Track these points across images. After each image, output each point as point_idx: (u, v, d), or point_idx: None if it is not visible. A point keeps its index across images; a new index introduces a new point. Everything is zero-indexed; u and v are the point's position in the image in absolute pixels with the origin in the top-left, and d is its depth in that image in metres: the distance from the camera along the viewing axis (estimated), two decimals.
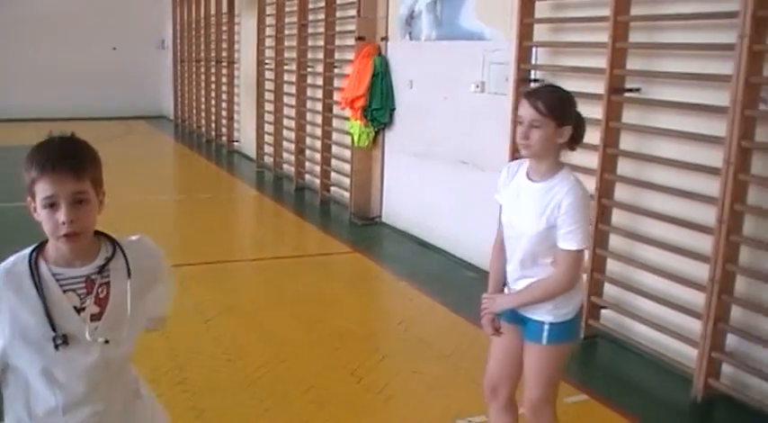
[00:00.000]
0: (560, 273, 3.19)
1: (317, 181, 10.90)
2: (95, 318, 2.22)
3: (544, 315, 3.27)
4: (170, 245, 8.48)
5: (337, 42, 10.33)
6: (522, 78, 6.42)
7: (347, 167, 9.80)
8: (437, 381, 5.00)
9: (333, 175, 10.62)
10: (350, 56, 9.59)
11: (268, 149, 13.31)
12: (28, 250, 2.22)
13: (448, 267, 7.54)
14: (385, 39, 9.02)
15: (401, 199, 8.97)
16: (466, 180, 7.59)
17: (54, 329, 2.15)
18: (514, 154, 5.86)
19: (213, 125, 17.05)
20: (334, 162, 10.60)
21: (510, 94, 6.53)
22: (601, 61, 5.59)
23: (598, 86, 5.60)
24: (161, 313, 2.56)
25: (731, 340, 4.82)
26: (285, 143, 12.52)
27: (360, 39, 9.14)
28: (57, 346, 2.15)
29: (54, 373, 2.20)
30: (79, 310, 2.20)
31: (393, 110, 8.92)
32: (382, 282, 7.38)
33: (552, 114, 3.10)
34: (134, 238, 2.41)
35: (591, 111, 5.71)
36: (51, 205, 2.12)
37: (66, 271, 2.21)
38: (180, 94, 20.49)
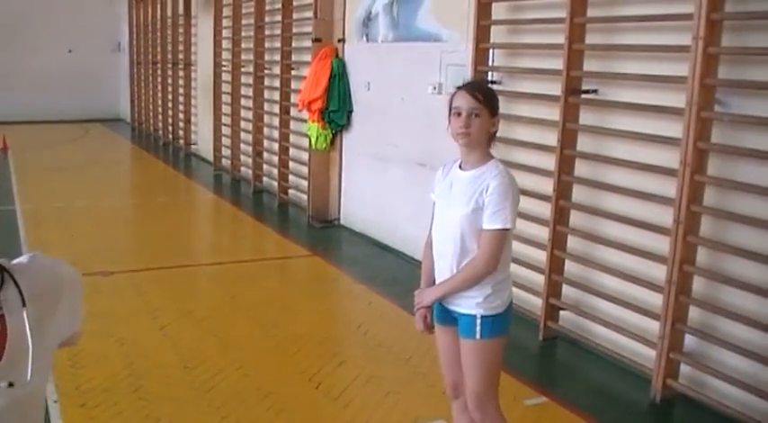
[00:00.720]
0: (483, 253, 3.25)
1: (275, 184, 10.83)
2: None
3: (475, 308, 3.31)
4: (125, 250, 8.46)
5: (294, 44, 10.28)
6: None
7: (305, 170, 9.74)
8: (396, 385, 4.95)
9: (291, 177, 10.55)
10: (307, 58, 9.53)
11: (225, 152, 13.21)
12: None
13: (406, 269, 7.50)
14: (342, 40, 8.98)
15: (359, 201, 8.93)
16: (424, 182, 7.49)
17: None
18: None
19: (170, 128, 16.91)
20: (292, 165, 10.53)
21: None
22: (557, 63, 5.59)
23: (555, 88, 5.61)
24: (74, 330, 2.22)
25: (689, 341, 4.84)
26: (243, 146, 12.42)
27: (317, 40, 9.09)
28: None
29: None
30: None
31: (351, 112, 8.88)
32: (341, 285, 7.33)
33: (489, 104, 3.30)
34: (24, 259, 2.06)
35: (548, 112, 5.77)
36: None
37: None
38: (137, 97, 20.30)
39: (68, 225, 9.47)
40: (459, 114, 3.28)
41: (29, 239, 8.54)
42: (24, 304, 1.92)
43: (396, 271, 7.55)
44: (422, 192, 7.54)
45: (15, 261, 2.00)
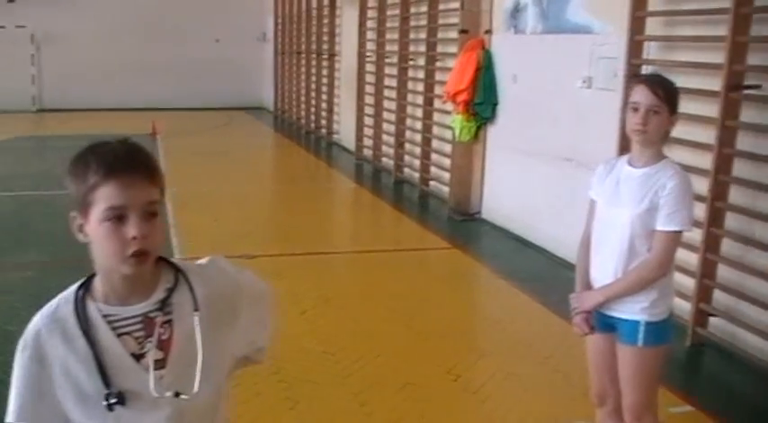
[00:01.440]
0: (657, 255, 3.10)
1: (417, 175, 10.83)
2: (159, 365, 1.77)
3: (639, 314, 3.16)
4: (267, 235, 8.64)
5: (440, 35, 10.23)
6: (633, 74, 6.19)
7: (447, 162, 9.70)
8: (535, 384, 4.86)
9: (432, 169, 10.53)
10: (452, 49, 9.48)
11: (367, 142, 13.30)
12: (72, 288, 1.81)
13: (548, 267, 7.36)
14: (489, 32, 8.87)
15: (502, 195, 8.81)
16: (569, 178, 7.39)
17: (107, 385, 1.71)
18: (622, 151, 5.65)
19: (313, 117, 17.17)
20: (434, 156, 10.50)
21: (619, 90, 6.30)
22: (718, 56, 5.33)
23: (714, 83, 5.36)
24: (258, 345, 2.06)
25: None
26: (385, 136, 12.48)
27: (463, 32, 9.03)
28: (110, 407, 1.70)
29: None
30: (139, 358, 1.76)
31: (496, 105, 8.77)
32: (480, 279, 7.25)
33: (669, 102, 3.12)
34: (203, 261, 1.95)
35: (706, 109, 5.50)
36: (119, 217, 1.67)
37: (120, 310, 1.77)
38: (280, 86, 20.70)
39: (213, 209, 9.72)
40: (636, 110, 3.11)
41: (175, 222, 8.77)
42: (197, 308, 1.81)
43: (537, 268, 7.41)
44: (568, 188, 7.42)
45: (196, 262, 1.92)
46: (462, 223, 9.11)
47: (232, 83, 22.84)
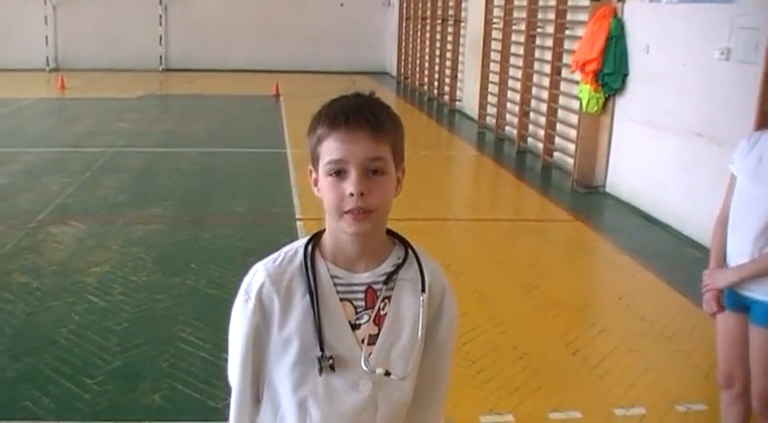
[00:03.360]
0: None
1: (540, 145, 10.69)
2: (371, 341, 1.69)
3: None
4: None
5: (570, 2, 10.03)
6: None
7: (573, 133, 9.53)
8: (656, 362, 4.76)
9: (557, 139, 10.37)
10: (583, 17, 9.29)
11: (491, 110, 13.19)
12: (301, 242, 1.74)
13: (674, 245, 7.17)
14: (621, 0, 8.62)
15: (628, 169, 8.60)
16: (700, 154, 7.15)
17: (322, 348, 1.65)
18: (760, 127, 5.43)
19: (436, 83, 17.12)
20: (559, 127, 10.34)
21: (759, 63, 6.05)
22: None
23: None
24: (442, 373, 1.84)
25: None
26: (509, 105, 12.35)
27: (595, 0, 8.79)
28: (321, 370, 1.65)
29: (310, 409, 1.69)
30: (354, 327, 1.69)
31: (626, 75, 8.54)
32: (603, 253, 7.12)
33: None
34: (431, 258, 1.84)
35: None
36: (338, 173, 1.62)
37: (346, 275, 1.70)
38: (404, 52, 20.70)
39: None
40: None
41: (297, 181, 8.94)
42: (424, 290, 1.72)
43: (663, 245, 7.22)
44: (698, 164, 7.20)
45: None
46: (586, 196, 8.96)
47: (356, 47, 22.99)
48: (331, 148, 1.62)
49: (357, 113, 1.63)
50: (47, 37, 23.11)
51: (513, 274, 6.25)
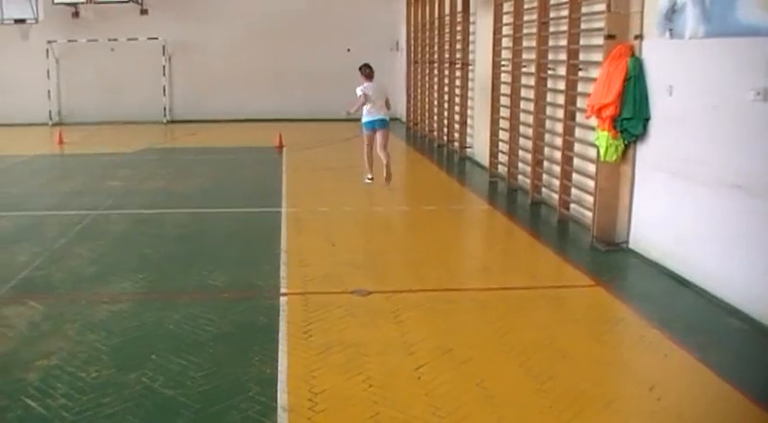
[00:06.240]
0: None
1: (556, 196, 9.92)
2: None
3: None
4: (387, 265, 7.85)
5: (582, 42, 9.38)
6: None
7: (591, 184, 8.77)
8: None
9: (573, 191, 9.63)
10: (597, 57, 8.61)
11: (502, 158, 12.53)
12: None
13: (710, 313, 6.27)
14: (639, 37, 7.90)
15: (654, 224, 7.72)
16: (737, 207, 6.29)
17: None
18: None
19: (445, 129, 16.67)
20: (575, 177, 9.60)
21: None
22: None
23: None
24: None
25: None
26: (521, 152, 11.72)
27: (610, 37, 8.15)
28: None
29: None
30: None
31: (647, 120, 7.75)
32: (629, 327, 6.15)
33: None
34: None
35: None
36: None
37: None
38: (413, 96, 20.38)
39: (331, 232, 9.21)
40: None
41: (288, 247, 8.37)
42: None
43: (697, 314, 6.33)
44: (735, 219, 6.29)
45: None
46: (607, 254, 8.05)
47: None
48: None
49: None
50: (49, 91, 22.97)
51: (525, 358, 5.34)
